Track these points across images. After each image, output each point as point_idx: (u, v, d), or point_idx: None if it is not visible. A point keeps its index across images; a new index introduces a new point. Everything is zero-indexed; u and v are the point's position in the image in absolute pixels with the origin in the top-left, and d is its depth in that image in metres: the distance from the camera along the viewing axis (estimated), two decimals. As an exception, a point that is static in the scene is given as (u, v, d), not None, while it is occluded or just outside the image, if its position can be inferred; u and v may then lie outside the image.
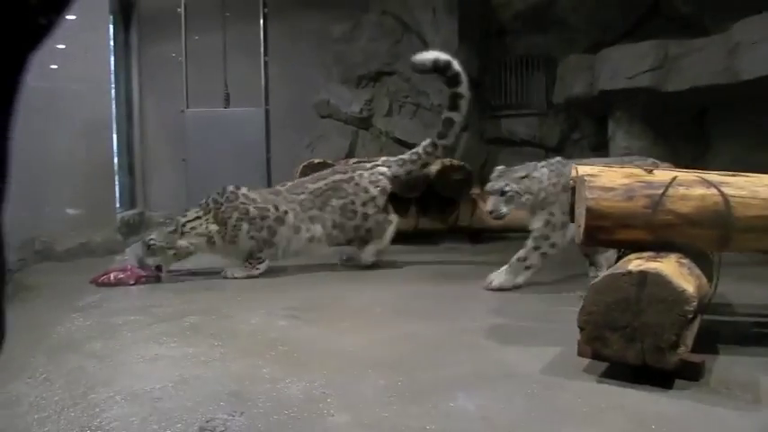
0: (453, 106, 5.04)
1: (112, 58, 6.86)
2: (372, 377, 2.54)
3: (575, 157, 6.45)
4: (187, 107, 7.95)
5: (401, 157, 5.15)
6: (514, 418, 2.16)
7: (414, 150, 5.15)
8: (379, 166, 5.07)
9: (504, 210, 4.02)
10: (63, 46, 5.07)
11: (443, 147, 5.13)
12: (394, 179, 5.06)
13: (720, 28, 6.31)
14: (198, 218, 4.61)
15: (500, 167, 4.20)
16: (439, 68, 4.96)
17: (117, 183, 6.60)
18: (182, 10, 8.03)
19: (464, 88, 5.00)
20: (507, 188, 3.99)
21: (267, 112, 8.05)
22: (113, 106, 6.54)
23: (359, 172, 5.01)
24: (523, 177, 4.06)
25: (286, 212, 4.76)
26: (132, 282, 4.26)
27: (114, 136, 6.50)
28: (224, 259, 4.81)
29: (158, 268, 4.46)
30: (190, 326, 3.28)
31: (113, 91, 6.81)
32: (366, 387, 2.44)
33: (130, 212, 6.83)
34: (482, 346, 2.95)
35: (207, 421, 2.11)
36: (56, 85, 5.00)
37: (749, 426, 2.12)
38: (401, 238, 5.92)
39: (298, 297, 3.94)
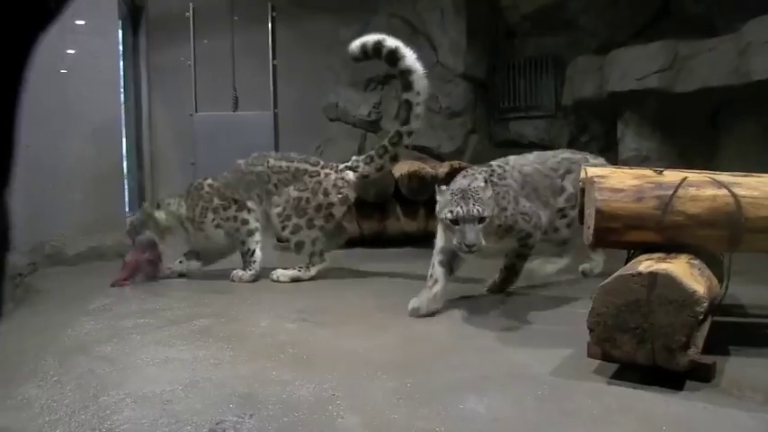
0: (406, 86, 4.51)
1: (121, 63, 6.89)
2: (382, 379, 2.54)
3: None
4: (196, 111, 7.99)
5: (369, 153, 4.78)
6: (525, 420, 2.15)
7: (380, 144, 4.75)
8: (348, 169, 4.74)
9: (483, 242, 3.30)
10: (72, 51, 5.11)
11: (408, 133, 4.61)
12: (363, 179, 4.75)
13: (731, 28, 6.28)
14: (174, 197, 4.81)
15: (444, 188, 3.47)
16: (370, 53, 4.48)
17: (126, 186, 6.63)
18: (190, 14, 8.07)
19: (410, 62, 4.43)
20: (486, 213, 3.32)
21: (276, 115, 8.08)
22: (122, 110, 6.58)
23: (328, 171, 4.72)
24: (490, 197, 3.44)
25: (247, 206, 4.73)
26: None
27: (123, 140, 6.53)
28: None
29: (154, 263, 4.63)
30: (199, 329, 3.29)
31: (122, 95, 6.84)
32: (375, 389, 2.44)
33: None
34: (491, 348, 2.94)
35: (217, 423, 2.12)
36: (65, 89, 5.04)
37: (760, 427, 2.10)
38: (410, 240, 5.93)
39: (306, 300, 3.95)
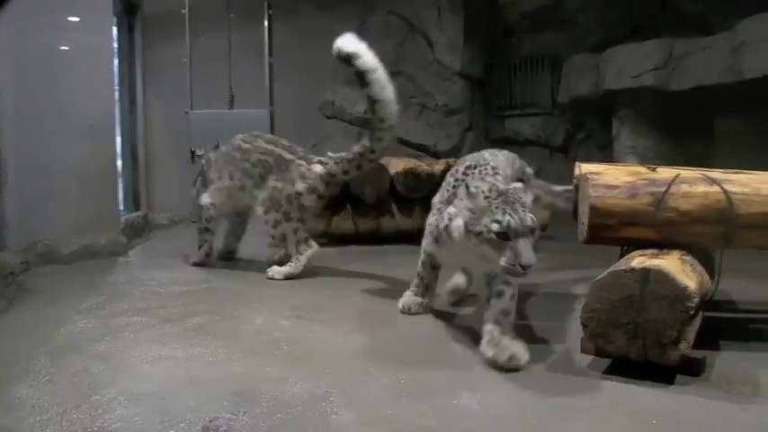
0: (370, 110, 4.25)
1: (116, 60, 6.87)
2: (377, 376, 2.54)
3: (581, 157, 6.44)
4: (191, 109, 7.98)
5: (341, 155, 4.58)
6: (518, 416, 2.16)
7: (351, 150, 4.54)
8: (319, 162, 4.60)
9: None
10: (66, 48, 5.09)
11: (371, 150, 4.40)
12: (330, 177, 4.56)
13: (725, 26, 6.30)
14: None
15: (473, 190, 2.65)
16: (343, 60, 4.16)
17: (121, 185, 6.61)
18: (186, 11, 8.06)
19: (377, 90, 4.11)
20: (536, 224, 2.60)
21: (272, 113, 8.08)
22: (117, 108, 6.55)
23: (300, 161, 4.62)
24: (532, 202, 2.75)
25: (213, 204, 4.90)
26: None
27: (118, 138, 6.51)
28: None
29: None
30: (194, 327, 3.28)
31: (117, 93, 6.82)
32: (370, 385, 2.45)
33: (134, 215, 6.82)
34: (486, 345, 2.94)
35: (210, 421, 2.12)
36: (59, 87, 5.01)
37: (749, 419, 2.13)
38: (406, 238, 5.93)
39: (301, 297, 3.94)
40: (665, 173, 3.04)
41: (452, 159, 6.36)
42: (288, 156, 4.64)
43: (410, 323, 3.34)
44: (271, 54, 8.24)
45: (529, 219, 2.52)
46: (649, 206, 2.92)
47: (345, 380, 2.50)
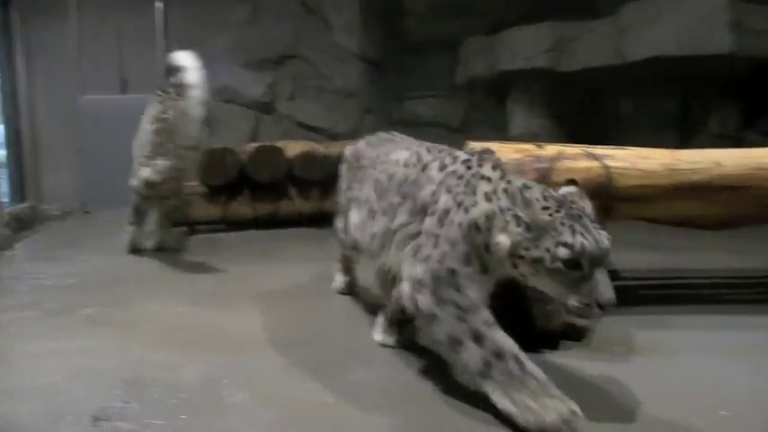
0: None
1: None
2: (271, 356, 2.56)
3: (473, 136, 6.58)
4: (82, 94, 7.61)
5: (168, 164, 4.52)
6: (410, 388, 2.23)
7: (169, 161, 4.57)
8: (151, 167, 4.56)
9: None
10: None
11: (173, 167, 4.52)
12: (149, 185, 4.57)
13: (610, 11, 6.59)
14: None
15: (529, 190, 2.05)
16: (171, 71, 4.50)
17: (5, 176, 6.24)
18: (71, -10, 7.66)
19: (194, 103, 4.36)
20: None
21: (166, 97, 7.81)
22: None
23: (144, 160, 4.61)
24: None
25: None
26: None
27: (-1, 126, 6.14)
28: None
29: None
30: (85, 318, 3.17)
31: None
32: (264, 366, 2.46)
33: (20, 206, 6.46)
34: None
35: (101, 410, 2.07)
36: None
37: (623, 374, 2.32)
38: (305, 221, 5.91)
39: (197, 284, 3.86)
40: (549, 149, 3.17)
41: (350, 141, 6.37)
42: (146, 150, 4.62)
43: (306, 306, 3.35)
44: (165, 36, 7.97)
45: (605, 239, 1.90)
46: (536, 182, 3.03)
47: (239, 363, 2.50)
